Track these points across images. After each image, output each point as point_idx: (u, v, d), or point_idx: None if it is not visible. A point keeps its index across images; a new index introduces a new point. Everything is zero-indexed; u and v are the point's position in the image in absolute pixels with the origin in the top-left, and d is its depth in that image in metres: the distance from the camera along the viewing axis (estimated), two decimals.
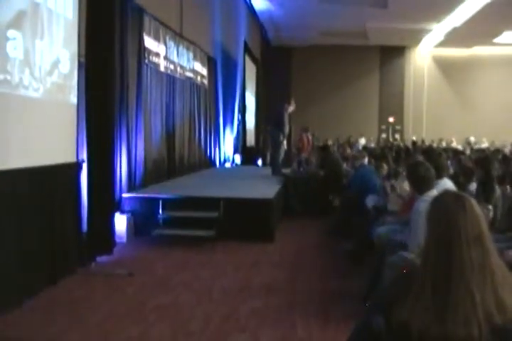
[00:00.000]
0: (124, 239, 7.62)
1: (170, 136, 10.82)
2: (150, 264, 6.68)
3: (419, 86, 28.02)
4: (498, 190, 5.94)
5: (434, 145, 23.31)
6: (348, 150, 13.96)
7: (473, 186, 6.30)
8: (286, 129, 11.80)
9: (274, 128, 11.93)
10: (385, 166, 8.36)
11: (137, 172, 8.86)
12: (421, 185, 4.70)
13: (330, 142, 23.41)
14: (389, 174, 8.11)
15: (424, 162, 5.13)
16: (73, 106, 6.28)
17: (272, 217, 8.21)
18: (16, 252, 5.07)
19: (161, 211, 8.03)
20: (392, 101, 27.99)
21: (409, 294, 1.82)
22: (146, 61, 9.22)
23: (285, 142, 12.04)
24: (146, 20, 9.17)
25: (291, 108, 11.90)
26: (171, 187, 9.65)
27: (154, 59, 9.63)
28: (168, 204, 8.10)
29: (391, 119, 28.12)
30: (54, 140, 5.86)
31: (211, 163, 14.53)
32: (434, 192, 4.46)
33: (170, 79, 10.72)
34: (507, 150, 18.74)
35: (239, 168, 15.75)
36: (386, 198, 6.99)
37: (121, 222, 7.61)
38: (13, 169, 5.00)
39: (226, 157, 16.29)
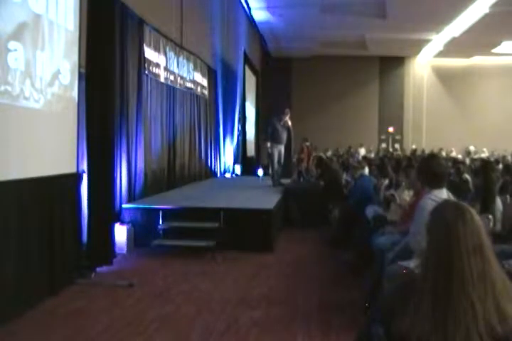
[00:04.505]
0: (124, 250, 7.60)
1: (170, 146, 10.83)
2: (150, 275, 6.66)
3: (419, 96, 28.11)
4: (498, 200, 5.94)
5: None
6: (350, 160, 13.99)
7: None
8: (282, 139, 11.80)
9: (267, 140, 12.02)
10: (385, 177, 8.37)
11: (137, 183, 8.86)
12: (432, 179, 4.54)
13: (329, 152, 23.46)
14: (390, 184, 8.10)
15: (437, 156, 5.05)
16: (73, 116, 6.29)
17: (272, 228, 8.20)
18: (16, 263, 5.06)
19: (161, 221, 8.02)
20: (391, 111, 28.06)
21: (409, 305, 1.82)
22: (146, 72, 9.25)
23: (282, 152, 11.98)
24: (147, 31, 9.21)
25: (286, 117, 11.90)
26: (171, 197, 9.65)
27: (154, 70, 9.66)
28: (168, 214, 8.09)
29: (391, 129, 28.17)
30: (54, 151, 5.87)
31: (211, 173, 14.53)
32: (443, 193, 4.43)
33: (170, 90, 10.75)
34: (509, 158, 18.71)
35: (239, 179, 15.74)
36: (386, 208, 6.99)
37: (121, 233, 7.60)
38: (13, 180, 5.00)
39: (226, 167, 16.29)
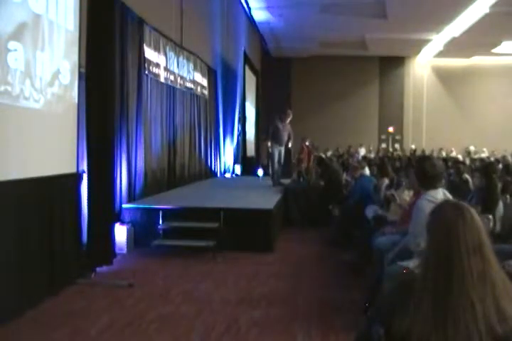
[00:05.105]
0: (124, 250, 7.60)
1: (170, 146, 10.83)
2: (150, 275, 6.66)
3: (419, 96, 28.10)
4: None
5: (434, 154, 23.34)
6: (350, 160, 13.97)
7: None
8: (283, 140, 11.78)
9: (267, 139, 12.01)
10: (385, 177, 8.37)
11: (137, 183, 8.85)
12: (426, 180, 4.60)
13: (330, 152, 23.45)
14: (390, 184, 8.10)
15: (431, 157, 5.09)
16: (73, 116, 6.28)
17: (272, 228, 8.20)
18: (16, 262, 5.06)
19: (161, 221, 8.01)
20: (391, 111, 28.05)
21: (409, 305, 1.82)
22: (146, 72, 9.24)
23: (282, 152, 11.97)
24: (147, 31, 9.21)
25: (288, 119, 11.86)
26: (171, 197, 9.64)
27: (154, 70, 9.66)
28: (168, 214, 8.09)
29: (391, 129, 28.16)
30: (54, 150, 5.86)
31: (211, 173, 14.52)
32: (439, 193, 4.44)
33: (170, 90, 10.74)
34: (509, 158, 18.70)
35: (239, 179, 15.74)
36: (386, 208, 6.99)
37: (121, 233, 7.59)
38: (13, 180, 5.00)
39: (226, 167, 16.29)
